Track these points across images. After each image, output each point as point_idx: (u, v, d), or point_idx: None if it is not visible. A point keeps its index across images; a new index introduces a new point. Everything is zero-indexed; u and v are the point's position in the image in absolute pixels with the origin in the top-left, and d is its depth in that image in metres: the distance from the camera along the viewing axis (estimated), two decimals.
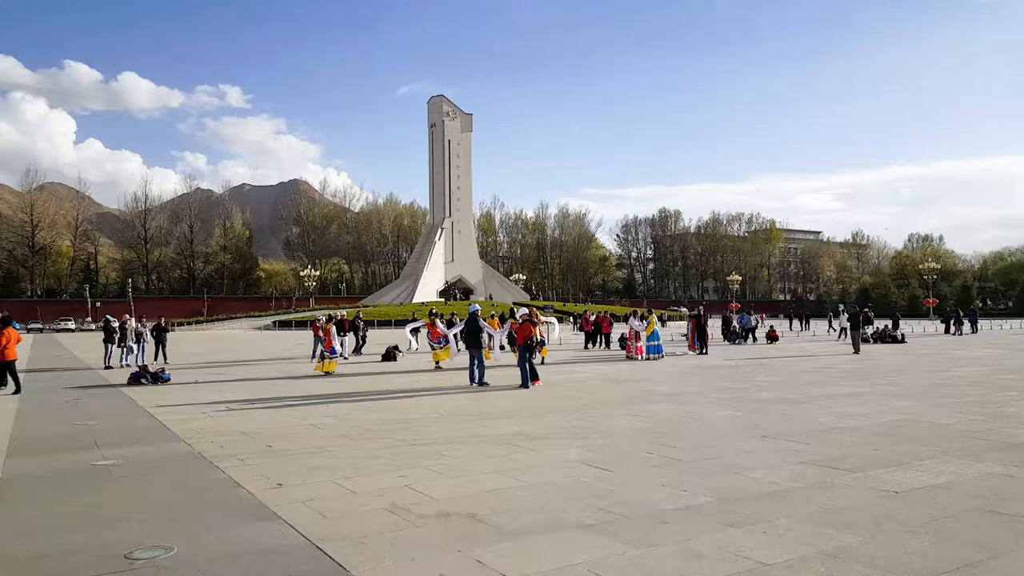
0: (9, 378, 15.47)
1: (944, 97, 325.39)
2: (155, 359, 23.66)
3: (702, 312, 27.98)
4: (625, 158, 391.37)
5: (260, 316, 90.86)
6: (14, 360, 15.28)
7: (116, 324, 23.57)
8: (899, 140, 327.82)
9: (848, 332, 26.68)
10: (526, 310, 15.97)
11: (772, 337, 35.35)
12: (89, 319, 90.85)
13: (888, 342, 34.49)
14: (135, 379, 17.09)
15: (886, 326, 38.09)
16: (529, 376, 15.03)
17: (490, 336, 22.03)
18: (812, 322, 54.73)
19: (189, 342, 44.98)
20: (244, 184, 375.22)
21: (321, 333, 24.91)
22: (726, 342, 34.65)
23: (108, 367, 22.18)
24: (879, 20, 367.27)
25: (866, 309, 40.02)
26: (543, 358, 21.10)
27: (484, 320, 20.21)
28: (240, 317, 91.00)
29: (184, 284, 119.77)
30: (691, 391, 14.38)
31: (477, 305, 16.96)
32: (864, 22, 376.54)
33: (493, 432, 9.45)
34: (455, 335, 20.18)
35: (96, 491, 6.63)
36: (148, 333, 25.03)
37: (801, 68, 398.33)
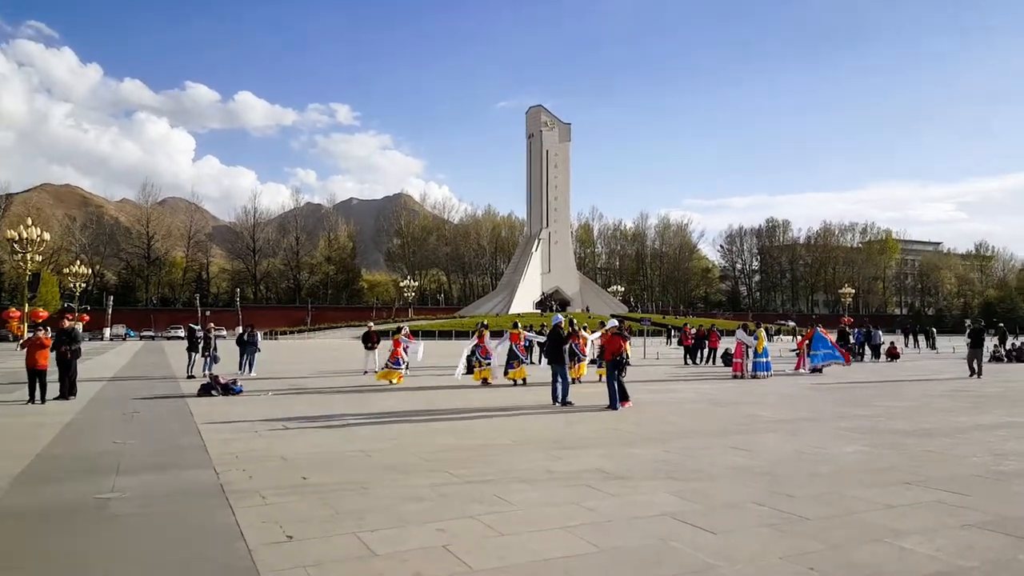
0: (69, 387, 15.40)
1: None
2: (239, 369, 23.32)
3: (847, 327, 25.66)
4: (730, 167, 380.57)
5: (360, 325, 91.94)
6: (43, 369, 14.85)
7: (200, 332, 23.31)
8: None
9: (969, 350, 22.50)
10: (615, 322, 14.31)
11: (893, 354, 32.21)
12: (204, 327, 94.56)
13: None
14: (205, 390, 16.45)
15: (1023, 343, 34.27)
16: (618, 396, 13.40)
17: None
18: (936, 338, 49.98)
19: (287, 350, 45.39)
20: (352, 198, 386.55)
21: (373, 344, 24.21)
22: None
23: (190, 376, 21.83)
24: (1000, 20, 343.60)
25: (1001, 324, 36.16)
26: (578, 378, 18.87)
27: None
28: (341, 326, 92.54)
29: (291, 294, 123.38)
30: (806, 418, 12.39)
31: (560, 316, 15.43)
32: (984, 23, 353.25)
33: (567, 467, 7.92)
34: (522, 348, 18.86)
35: (75, 537, 5.53)
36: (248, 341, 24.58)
37: (917, 72, 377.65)
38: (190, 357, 22.63)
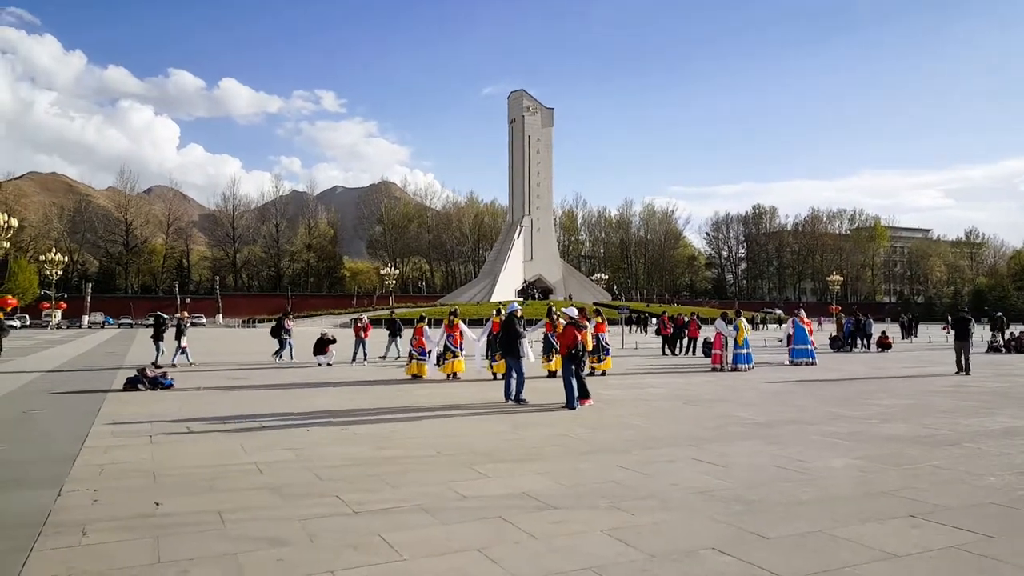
0: None
1: None
2: (277, 356, 23.37)
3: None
4: (716, 154, 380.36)
5: (340, 313, 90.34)
6: None
7: (172, 321, 21.93)
8: (1015, 132, 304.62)
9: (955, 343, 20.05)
10: (574, 310, 12.78)
11: (884, 344, 30.92)
12: (177, 315, 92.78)
13: None
14: (131, 384, 14.88)
15: (1021, 332, 33.08)
16: (577, 393, 11.90)
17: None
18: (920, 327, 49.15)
19: (254, 339, 43.50)
20: (337, 186, 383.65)
21: (359, 333, 22.73)
22: (831, 350, 30.42)
23: (156, 366, 20.26)
24: (988, 4, 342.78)
25: (999, 313, 34.95)
26: (604, 370, 17.86)
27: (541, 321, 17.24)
28: (321, 314, 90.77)
29: (272, 282, 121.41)
30: (789, 420, 10.92)
31: (516, 304, 13.90)
32: (972, 7, 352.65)
33: (490, 490, 6.40)
34: (484, 341, 17.14)
35: None
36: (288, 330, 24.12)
37: (904, 58, 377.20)
38: (157, 347, 21.02)
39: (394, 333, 24.18)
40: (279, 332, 23.73)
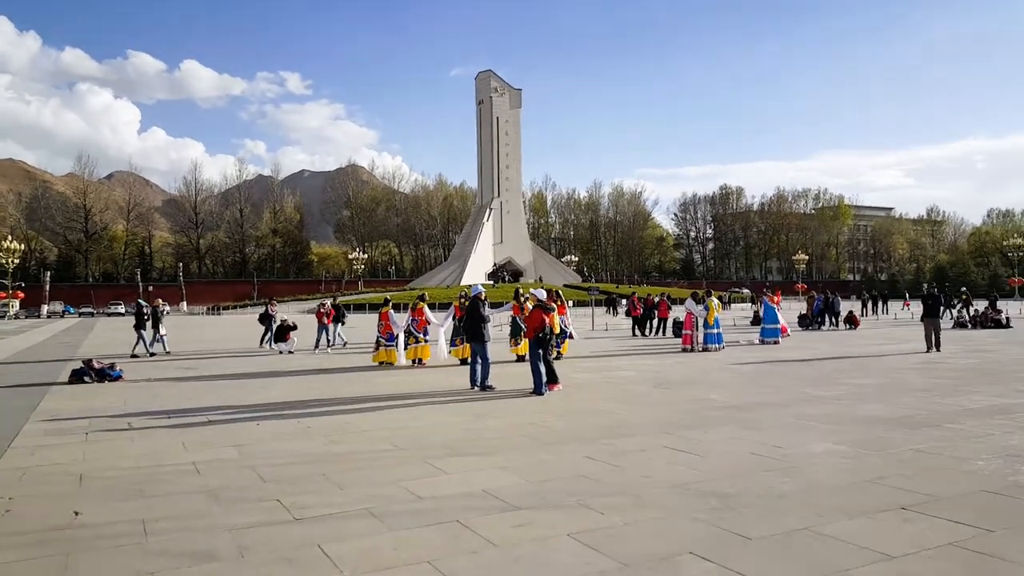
0: None
1: (1018, 65, 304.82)
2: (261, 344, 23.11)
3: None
4: (682, 136, 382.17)
5: (307, 299, 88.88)
6: None
7: (148, 308, 21.14)
8: (972, 112, 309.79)
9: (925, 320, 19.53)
10: (542, 292, 12.28)
11: (852, 322, 30.88)
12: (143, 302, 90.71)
13: (990, 327, 29.80)
14: (77, 376, 14.10)
15: (987, 308, 33.31)
16: (545, 378, 11.41)
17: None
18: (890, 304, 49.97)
19: (213, 326, 42.45)
20: (304, 170, 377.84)
21: (321, 319, 22.14)
22: (800, 328, 30.35)
23: (134, 356, 19.65)
24: None
25: (963, 289, 35.21)
26: (561, 354, 17.26)
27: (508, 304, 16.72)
28: (287, 300, 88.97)
29: (237, 268, 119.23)
30: (765, 402, 10.54)
31: (480, 287, 13.36)
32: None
33: (448, 489, 5.87)
34: (446, 328, 16.58)
35: None
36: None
37: (865, 41, 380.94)
38: (139, 336, 20.18)
39: (338, 319, 23.33)
40: (267, 319, 23.10)
